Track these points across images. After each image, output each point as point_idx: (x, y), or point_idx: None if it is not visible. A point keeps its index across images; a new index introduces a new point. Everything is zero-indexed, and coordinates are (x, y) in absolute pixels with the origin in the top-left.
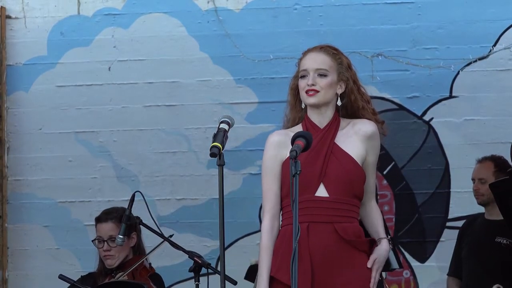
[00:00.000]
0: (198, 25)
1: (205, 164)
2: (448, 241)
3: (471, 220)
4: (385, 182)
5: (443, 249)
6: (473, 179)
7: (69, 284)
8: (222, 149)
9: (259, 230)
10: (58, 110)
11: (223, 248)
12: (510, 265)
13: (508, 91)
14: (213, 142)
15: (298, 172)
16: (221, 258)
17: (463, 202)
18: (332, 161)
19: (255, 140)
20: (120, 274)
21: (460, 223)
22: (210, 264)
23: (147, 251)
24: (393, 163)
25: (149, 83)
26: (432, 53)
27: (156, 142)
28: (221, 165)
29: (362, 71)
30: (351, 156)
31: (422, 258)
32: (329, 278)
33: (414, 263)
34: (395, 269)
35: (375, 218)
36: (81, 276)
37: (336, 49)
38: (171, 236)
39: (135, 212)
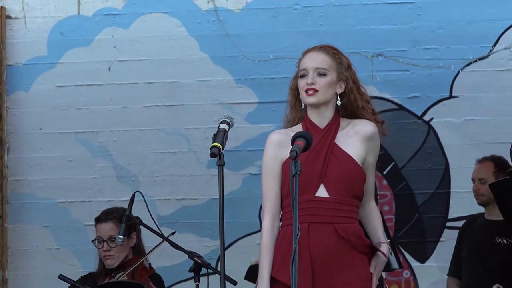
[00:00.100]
0: (198, 25)
1: (205, 164)
2: (448, 241)
3: (471, 220)
4: (385, 182)
5: (443, 249)
6: (473, 179)
7: (69, 284)
8: (222, 149)
9: (259, 230)
10: (58, 110)
11: (223, 248)
12: (510, 265)
13: (508, 91)
14: (213, 142)
15: (298, 172)
16: (221, 258)
17: (463, 202)
18: (332, 162)
19: (255, 140)
20: (120, 274)
21: (460, 223)
22: (210, 264)
23: (147, 251)
24: (393, 163)
25: (149, 83)
26: (432, 53)
27: (156, 142)
28: (221, 165)
29: (362, 71)
30: (351, 157)
31: (422, 258)
32: (329, 278)
33: (414, 263)
34: (395, 269)
35: (375, 219)
36: (81, 276)
37: (335, 49)
38: (173, 233)
39: (135, 212)
